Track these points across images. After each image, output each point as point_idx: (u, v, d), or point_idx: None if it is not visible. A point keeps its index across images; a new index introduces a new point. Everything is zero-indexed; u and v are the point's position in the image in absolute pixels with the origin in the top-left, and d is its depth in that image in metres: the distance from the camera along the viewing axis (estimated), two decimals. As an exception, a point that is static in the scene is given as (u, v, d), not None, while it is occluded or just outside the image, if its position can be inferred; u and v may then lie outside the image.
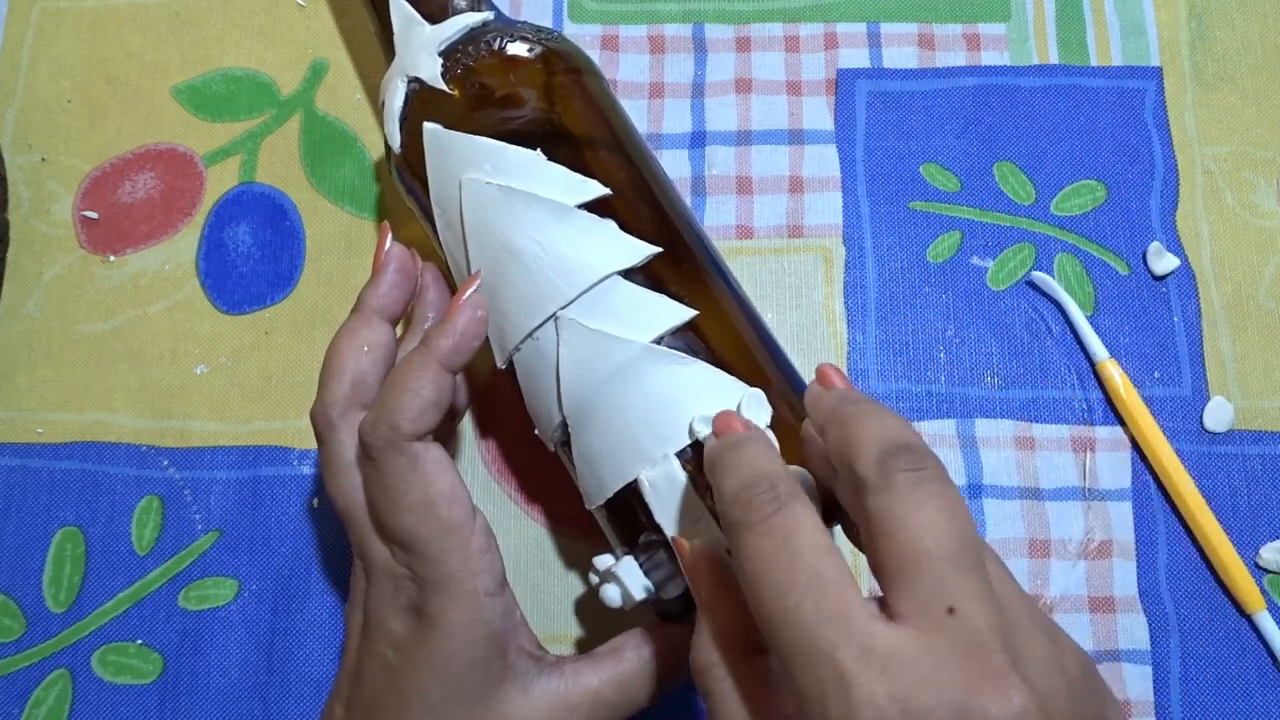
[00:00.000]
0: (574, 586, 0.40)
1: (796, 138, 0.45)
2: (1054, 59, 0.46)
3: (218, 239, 0.44)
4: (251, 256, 0.44)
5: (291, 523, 0.40)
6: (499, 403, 0.42)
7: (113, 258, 0.44)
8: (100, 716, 0.38)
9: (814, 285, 0.43)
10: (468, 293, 0.34)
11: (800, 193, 0.44)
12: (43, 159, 0.45)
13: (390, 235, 0.36)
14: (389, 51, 0.38)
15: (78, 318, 0.43)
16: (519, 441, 0.41)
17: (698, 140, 0.45)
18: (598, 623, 0.40)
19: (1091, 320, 0.42)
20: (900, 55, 0.46)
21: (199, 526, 0.40)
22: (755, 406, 0.32)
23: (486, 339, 0.34)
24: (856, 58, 0.46)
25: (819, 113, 0.45)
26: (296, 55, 0.46)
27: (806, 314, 0.43)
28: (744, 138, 0.45)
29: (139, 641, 0.39)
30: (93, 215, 0.44)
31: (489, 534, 0.32)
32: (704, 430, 0.31)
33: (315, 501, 0.40)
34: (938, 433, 0.41)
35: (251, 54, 0.46)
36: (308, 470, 0.41)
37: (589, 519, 0.40)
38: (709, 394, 0.32)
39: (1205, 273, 0.43)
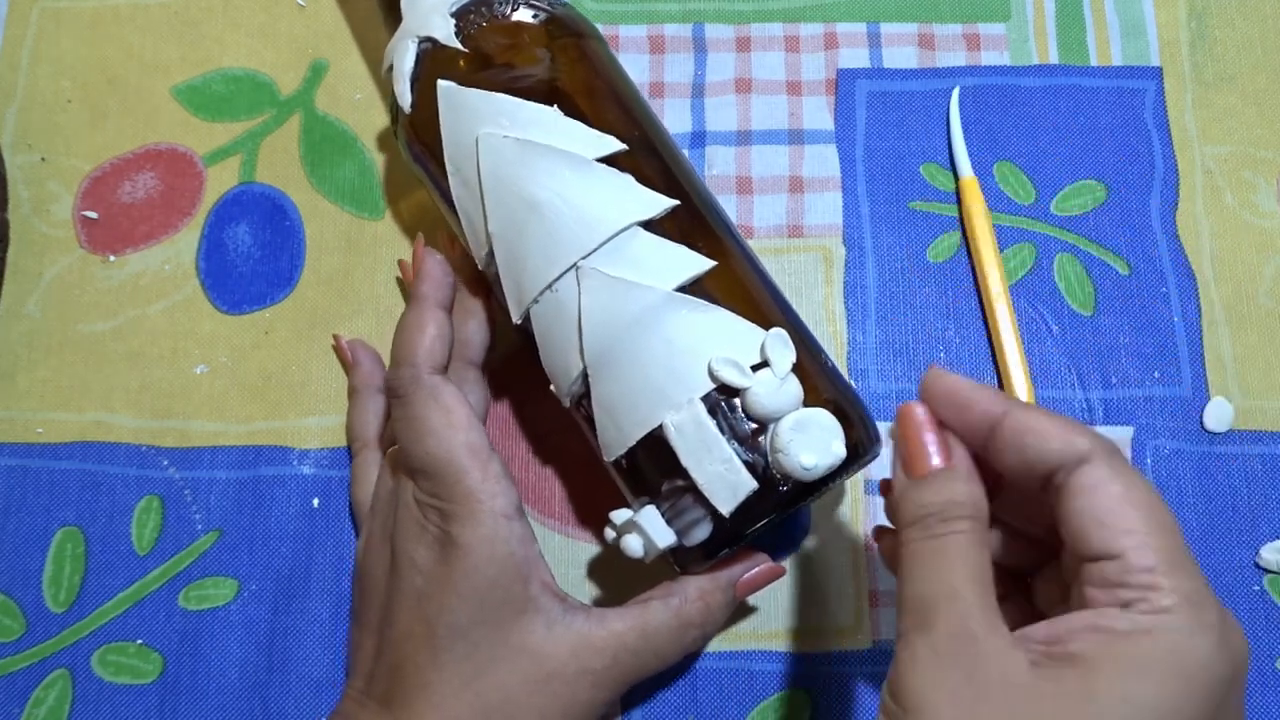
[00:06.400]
0: (573, 586, 0.40)
1: (796, 138, 0.45)
2: (1054, 59, 0.46)
3: (218, 239, 0.44)
4: (251, 256, 0.44)
5: (291, 523, 0.40)
6: (496, 401, 0.42)
7: (113, 258, 0.44)
8: (100, 716, 0.38)
9: (814, 285, 0.43)
10: (420, 248, 0.38)
11: (800, 192, 0.44)
12: (43, 159, 0.45)
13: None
14: (392, 18, 0.39)
15: (78, 318, 0.43)
16: (517, 440, 0.41)
17: (698, 140, 0.45)
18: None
19: (1091, 320, 0.42)
20: (900, 55, 0.46)
21: (199, 526, 0.40)
22: (780, 345, 0.33)
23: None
24: (856, 58, 0.46)
25: (819, 113, 0.45)
26: (296, 55, 0.46)
27: (807, 314, 0.42)
28: (744, 138, 0.45)
29: (139, 641, 0.39)
30: (93, 215, 0.44)
31: (505, 466, 0.35)
32: (723, 370, 0.32)
33: (316, 501, 0.40)
34: (938, 433, 0.41)
35: (251, 54, 0.46)
36: (308, 470, 0.41)
37: (587, 518, 0.40)
38: (731, 339, 0.33)
39: (1205, 273, 0.43)
